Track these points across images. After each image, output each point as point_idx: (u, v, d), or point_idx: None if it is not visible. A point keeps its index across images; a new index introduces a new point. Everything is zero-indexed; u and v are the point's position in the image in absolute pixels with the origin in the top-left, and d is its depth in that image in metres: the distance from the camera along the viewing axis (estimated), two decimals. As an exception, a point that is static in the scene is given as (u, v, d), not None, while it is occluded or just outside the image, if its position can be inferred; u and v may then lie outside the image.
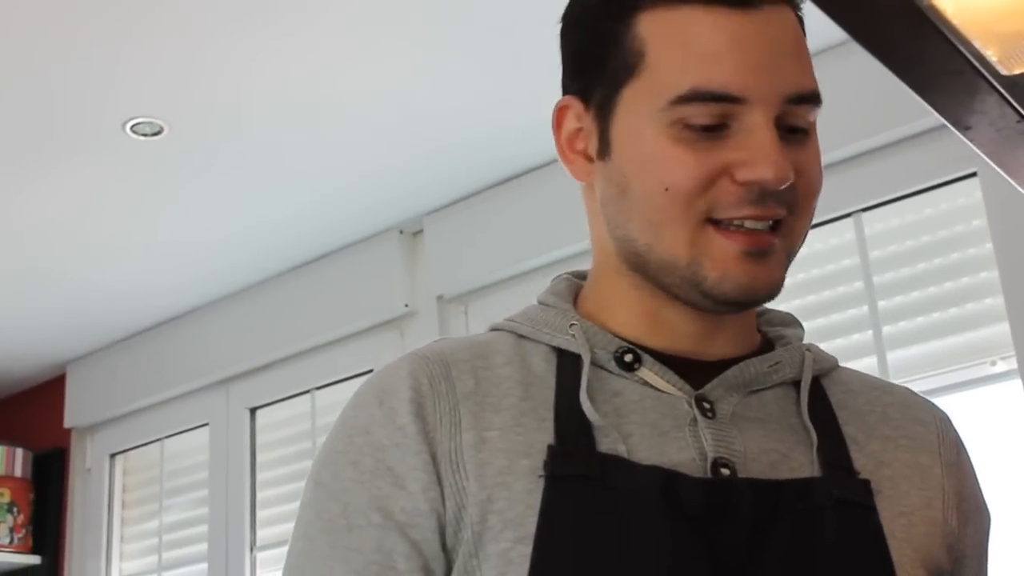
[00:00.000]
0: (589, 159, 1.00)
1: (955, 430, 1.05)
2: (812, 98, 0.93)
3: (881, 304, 2.40)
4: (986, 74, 0.77)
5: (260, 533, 3.54)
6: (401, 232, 3.25)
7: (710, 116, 0.90)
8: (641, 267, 0.97)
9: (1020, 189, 0.97)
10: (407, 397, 0.94)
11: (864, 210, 2.46)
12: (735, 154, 0.90)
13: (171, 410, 3.86)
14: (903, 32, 0.74)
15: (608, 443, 0.91)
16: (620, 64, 0.95)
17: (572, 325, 0.98)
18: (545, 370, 0.97)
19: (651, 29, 0.93)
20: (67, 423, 4.10)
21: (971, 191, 2.32)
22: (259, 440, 3.63)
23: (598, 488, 0.88)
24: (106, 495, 4.03)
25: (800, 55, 0.94)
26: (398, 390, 0.95)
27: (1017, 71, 0.77)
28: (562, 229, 2.72)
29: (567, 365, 0.97)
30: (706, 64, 0.91)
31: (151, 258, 3.39)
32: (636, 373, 0.96)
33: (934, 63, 0.77)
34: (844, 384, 1.03)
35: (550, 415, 0.93)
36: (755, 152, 0.90)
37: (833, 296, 2.49)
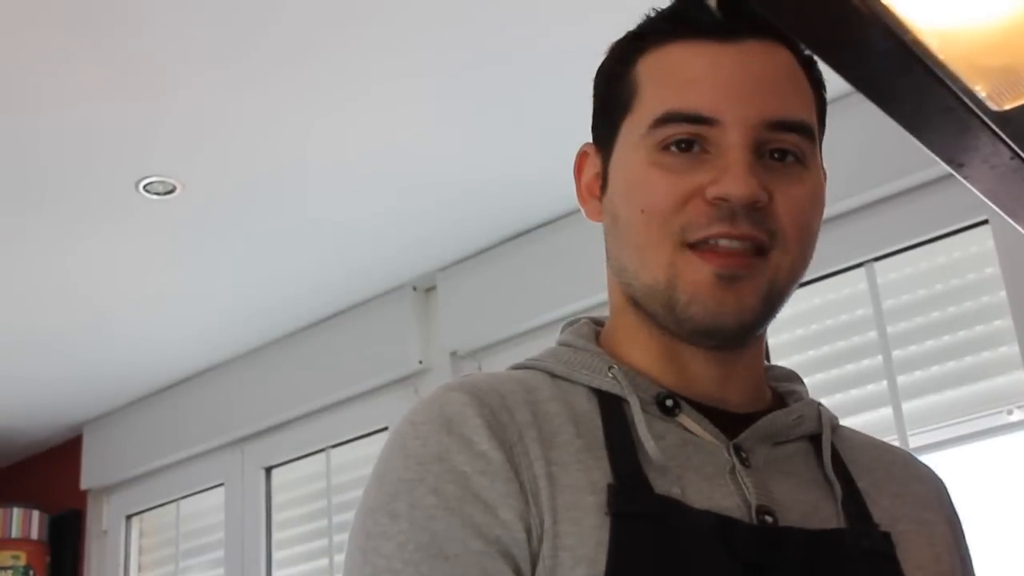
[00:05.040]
0: (600, 200, 1.03)
1: (948, 490, 1.08)
2: (798, 127, 0.95)
3: (895, 354, 2.38)
4: (976, 110, 0.76)
5: (275, 594, 3.51)
6: (414, 288, 3.25)
7: (685, 136, 0.94)
8: (633, 299, 0.99)
9: (1020, 229, 0.95)
10: (479, 424, 0.91)
11: (876, 259, 2.45)
12: (708, 175, 0.93)
13: (186, 470, 3.85)
14: (890, 69, 0.74)
15: (663, 484, 0.91)
16: (618, 104, 1.00)
17: (611, 368, 0.98)
18: (589, 410, 0.96)
19: (645, 68, 0.99)
20: (83, 484, 4.09)
21: (983, 239, 2.31)
22: (275, 499, 3.62)
23: (661, 528, 0.89)
24: (122, 557, 4.02)
25: (787, 86, 0.96)
26: (466, 417, 0.91)
27: (1008, 106, 0.76)
28: (575, 283, 2.72)
29: (610, 407, 0.96)
30: (683, 88, 0.95)
31: (165, 318, 3.40)
32: (676, 419, 0.96)
33: (923, 100, 0.76)
34: (848, 440, 1.05)
35: (603, 454, 0.93)
36: (724, 171, 0.92)
37: (847, 347, 2.47)
